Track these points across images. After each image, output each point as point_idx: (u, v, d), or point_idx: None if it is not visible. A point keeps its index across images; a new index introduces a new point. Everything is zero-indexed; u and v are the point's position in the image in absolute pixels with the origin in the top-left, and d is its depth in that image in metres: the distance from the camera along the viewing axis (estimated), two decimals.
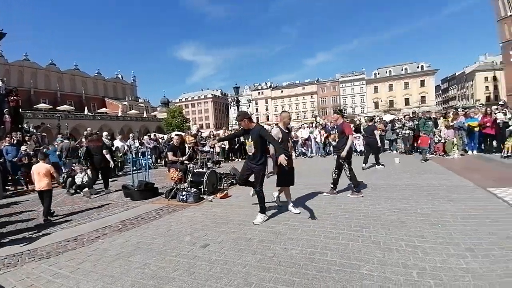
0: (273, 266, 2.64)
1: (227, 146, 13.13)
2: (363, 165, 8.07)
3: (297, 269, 2.56)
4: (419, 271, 2.38)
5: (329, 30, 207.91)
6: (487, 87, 60.24)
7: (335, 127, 5.91)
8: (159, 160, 13.78)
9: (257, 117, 73.01)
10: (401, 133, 11.03)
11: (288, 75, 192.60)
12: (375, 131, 8.88)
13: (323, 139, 12.33)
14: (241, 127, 4.20)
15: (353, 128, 9.07)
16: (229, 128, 28.51)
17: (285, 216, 4.14)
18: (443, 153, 9.49)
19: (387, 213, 4.00)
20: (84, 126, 28.07)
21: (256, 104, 78.40)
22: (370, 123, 9.34)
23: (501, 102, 12.98)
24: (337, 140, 5.37)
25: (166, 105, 75.21)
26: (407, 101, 61.60)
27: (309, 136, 12.77)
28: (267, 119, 72.85)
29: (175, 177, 5.92)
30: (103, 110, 45.54)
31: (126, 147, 12.03)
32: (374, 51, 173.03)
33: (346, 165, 5.07)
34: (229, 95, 75.20)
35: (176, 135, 8.07)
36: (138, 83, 67.98)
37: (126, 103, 55.39)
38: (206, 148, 12.40)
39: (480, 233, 3.05)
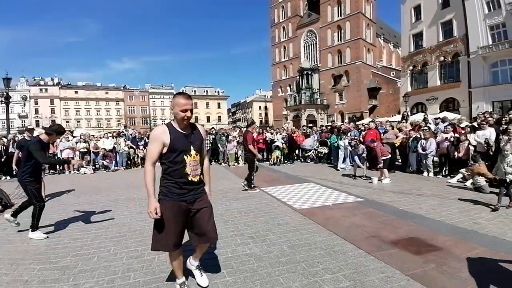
0: None
1: None
2: None
3: None
4: None
5: (135, 36, 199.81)
6: (260, 114, 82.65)
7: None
8: None
9: (37, 121, 54.93)
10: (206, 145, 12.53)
11: (85, 74, 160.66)
12: None
13: None
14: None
15: None
16: None
17: (75, 246, 3.36)
18: (231, 163, 11.67)
19: None
20: None
21: (37, 103, 59.01)
22: None
23: (286, 126, 18.11)
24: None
25: None
26: (208, 119, 71.40)
27: (113, 147, 11.35)
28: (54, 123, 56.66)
29: None
30: None
31: None
32: (182, 69, 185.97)
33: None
34: None
35: None
36: None
37: None
38: None
39: (257, 222, 4.04)
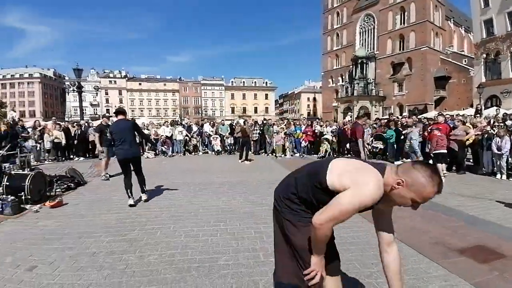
0: (125, 279, 2.33)
1: (63, 141, 10.43)
2: (239, 160, 9.78)
3: (155, 276, 2.39)
4: (264, 253, 2.82)
5: (191, 31, 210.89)
6: (309, 105, 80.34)
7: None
8: None
9: (107, 109, 62.55)
10: (255, 135, 12.60)
11: (148, 68, 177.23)
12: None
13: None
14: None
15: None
16: (66, 119, 22.83)
17: (141, 221, 3.78)
18: (278, 154, 11.57)
19: (241, 206, 4.50)
20: None
21: (107, 93, 67.08)
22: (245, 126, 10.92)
23: (349, 117, 17.50)
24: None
25: None
26: (255, 110, 72.36)
27: (171, 134, 12.34)
28: None
29: None
30: None
31: None
32: (232, 60, 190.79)
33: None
34: (67, 78, 59.77)
35: None
36: None
37: None
38: (30, 143, 9.41)
39: None
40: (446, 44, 42.04)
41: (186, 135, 12.64)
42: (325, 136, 11.48)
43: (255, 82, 74.55)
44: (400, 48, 41.22)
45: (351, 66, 44.24)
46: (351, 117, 24.93)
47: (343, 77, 48.69)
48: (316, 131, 12.23)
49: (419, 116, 14.25)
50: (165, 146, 12.06)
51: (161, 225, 3.60)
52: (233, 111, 70.65)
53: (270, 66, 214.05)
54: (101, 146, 6.80)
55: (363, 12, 46.16)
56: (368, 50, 44.07)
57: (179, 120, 14.86)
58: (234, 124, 13.90)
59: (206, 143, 13.29)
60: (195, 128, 13.45)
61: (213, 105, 72.26)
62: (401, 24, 40.95)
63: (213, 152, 12.61)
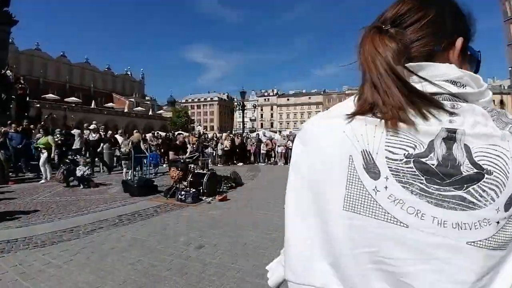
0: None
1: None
2: None
3: None
4: None
5: (339, 41, 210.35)
6: None
7: None
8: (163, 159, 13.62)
9: (262, 123, 73.16)
10: None
11: (295, 83, 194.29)
12: None
13: None
14: None
15: None
16: (233, 132, 28.67)
17: (281, 224, 4.09)
18: None
19: None
20: (90, 120, 28.24)
21: (262, 110, 78.69)
22: None
23: None
24: None
25: (172, 105, 75.96)
26: None
27: None
28: (271, 125, 73.03)
29: (175, 176, 5.91)
30: (110, 104, 45.88)
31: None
32: None
33: None
34: (235, 99, 75.49)
35: (179, 134, 8.21)
36: (146, 81, 68.96)
37: (133, 99, 55.82)
38: (209, 150, 12.44)
39: None
40: None
41: None
42: None
43: None
44: None
45: None
46: None
47: None
48: None
49: None
50: None
51: None
52: None
53: None
54: None
55: None
56: None
57: None
58: None
59: None
60: None
61: None
62: None
63: None
